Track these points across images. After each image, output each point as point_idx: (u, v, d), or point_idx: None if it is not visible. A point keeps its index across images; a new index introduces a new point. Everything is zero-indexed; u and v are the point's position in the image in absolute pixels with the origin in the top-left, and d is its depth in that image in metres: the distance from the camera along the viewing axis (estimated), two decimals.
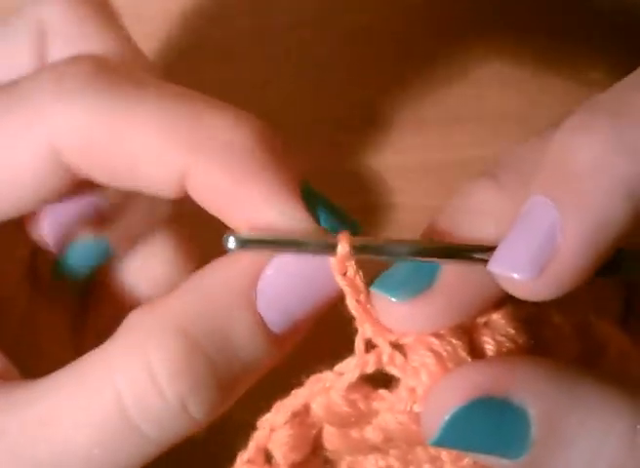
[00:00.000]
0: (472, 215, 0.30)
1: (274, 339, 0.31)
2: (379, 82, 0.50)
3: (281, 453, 0.33)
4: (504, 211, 0.30)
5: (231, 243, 0.29)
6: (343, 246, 0.30)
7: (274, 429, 0.33)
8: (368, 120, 0.50)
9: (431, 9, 0.50)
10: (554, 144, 0.29)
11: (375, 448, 0.34)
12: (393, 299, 0.30)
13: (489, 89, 0.49)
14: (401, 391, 0.32)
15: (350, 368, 0.32)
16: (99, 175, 0.32)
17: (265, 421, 0.33)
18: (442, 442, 0.28)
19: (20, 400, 0.31)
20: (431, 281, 0.30)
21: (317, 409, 0.32)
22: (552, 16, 0.51)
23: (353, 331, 0.31)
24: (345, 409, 0.32)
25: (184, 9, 0.49)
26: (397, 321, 0.30)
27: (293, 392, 0.32)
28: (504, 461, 0.28)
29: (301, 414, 0.33)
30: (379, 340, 0.31)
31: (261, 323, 0.31)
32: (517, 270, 0.28)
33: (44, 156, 0.31)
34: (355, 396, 0.32)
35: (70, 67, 0.32)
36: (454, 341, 0.31)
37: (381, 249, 0.30)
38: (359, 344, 0.32)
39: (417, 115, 0.47)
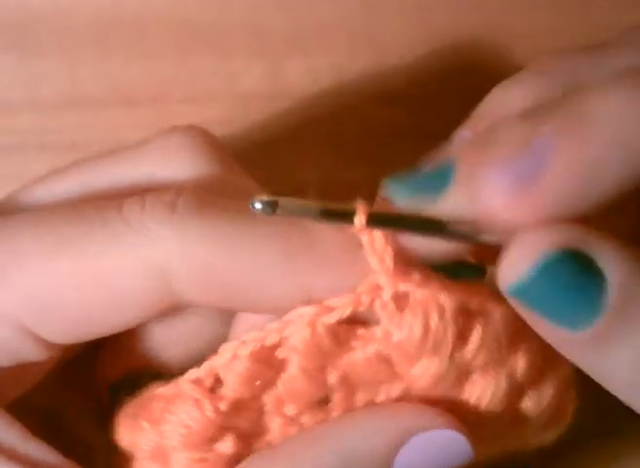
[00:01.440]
0: (508, 86, 0.31)
1: None
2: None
3: (231, 385, 0.32)
4: (541, 88, 0.30)
5: (258, 205, 0.29)
6: (360, 218, 0.30)
7: (235, 358, 0.32)
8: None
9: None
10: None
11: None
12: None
13: None
14: (376, 331, 0.32)
15: (343, 303, 0.32)
16: (208, 301, 0.32)
17: (228, 348, 0.32)
18: (521, 291, 0.28)
19: None
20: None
21: (294, 341, 0.32)
22: None
23: None
24: (327, 342, 0.32)
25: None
26: None
27: (267, 327, 0.32)
28: (567, 332, 0.28)
29: (267, 352, 0.32)
30: (386, 283, 0.31)
31: None
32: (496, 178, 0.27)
33: (154, 286, 0.31)
34: (338, 330, 0.32)
35: (178, 197, 0.32)
36: (450, 327, 0.32)
37: (400, 221, 0.31)
38: (364, 283, 0.32)
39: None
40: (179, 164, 0.35)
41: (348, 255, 0.31)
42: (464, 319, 0.32)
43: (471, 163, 0.29)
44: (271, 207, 0.30)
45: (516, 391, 0.35)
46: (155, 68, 0.47)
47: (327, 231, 0.32)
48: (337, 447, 0.31)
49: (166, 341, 0.36)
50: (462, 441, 0.32)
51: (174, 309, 0.33)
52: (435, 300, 0.32)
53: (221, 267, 0.31)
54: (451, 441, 0.32)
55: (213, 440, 0.33)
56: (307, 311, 0.32)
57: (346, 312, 0.32)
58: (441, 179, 0.29)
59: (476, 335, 0.32)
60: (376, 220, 0.31)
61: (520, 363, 0.34)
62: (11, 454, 0.32)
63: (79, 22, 0.46)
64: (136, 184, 0.35)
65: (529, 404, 0.35)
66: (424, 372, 0.33)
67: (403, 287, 0.32)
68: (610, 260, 0.27)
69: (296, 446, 0.32)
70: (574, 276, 0.27)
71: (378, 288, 0.32)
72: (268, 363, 0.33)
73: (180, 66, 0.47)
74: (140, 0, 0.46)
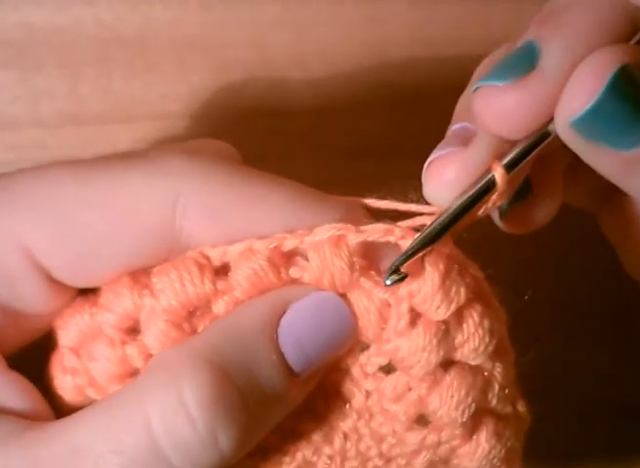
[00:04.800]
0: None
1: (294, 379, 0.32)
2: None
3: (239, 277, 0.32)
4: None
5: (389, 282, 0.32)
6: (499, 172, 0.31)
7: (251, 251, 0.32)
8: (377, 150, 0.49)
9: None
10: None
11: None
12: (499, 83, 0.30)
13: None
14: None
15: (375, 228, 0.32)
16: (202, 237, 0.32)
17: (246, 242, 0.32)
18: (587, 119, 0.29)
19: (51, 432, 0.31)
20: (534, 63, 0.30)
21: (312, 258, 0.32)
22: None
23: None
24: (342, 267, 0.32)
25: None
26: (505, 107, 0.30)
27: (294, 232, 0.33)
28: (621, 153, 0.30)
29: (282, 258, 0.32)
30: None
31: (282, 358, 0.32)
32: None
33: (162, 217, 0.32)
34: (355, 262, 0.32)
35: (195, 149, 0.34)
36: (463, 293, 0.32)
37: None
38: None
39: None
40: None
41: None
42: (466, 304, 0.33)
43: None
44: (398, 273, 0.32)
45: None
46: (156, 84, 0.47)
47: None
48: (222, 326, 0.32)
49: None
50: (338, 302, 0.33)
51: (168, 250, 0.33)
52: (455, 261, 0.32)
53: (229, 207, 0.32)
54: (327, 302, 0.33)
55: (192, 314, 0.33)
56: (335, 227, 0.32)
57: (375, 235, 0.32)
58: (528, 53, 0.30)
59: (473, 319, 0.33)
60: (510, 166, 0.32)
61: (497, 377, 0.34)
62: None
63: (80, 39, 0.46)
64: None
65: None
66: (412, 343, 0.32)
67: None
68: None
69: (201, 333, 0.33)
70: (634, 94, 0.29)
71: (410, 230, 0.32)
72: (278, 274, 0.33)
73: (180, 82, 0.47)
74: (140, 17, 0.46)
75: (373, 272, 0.33)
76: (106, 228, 0.31)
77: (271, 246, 0.32)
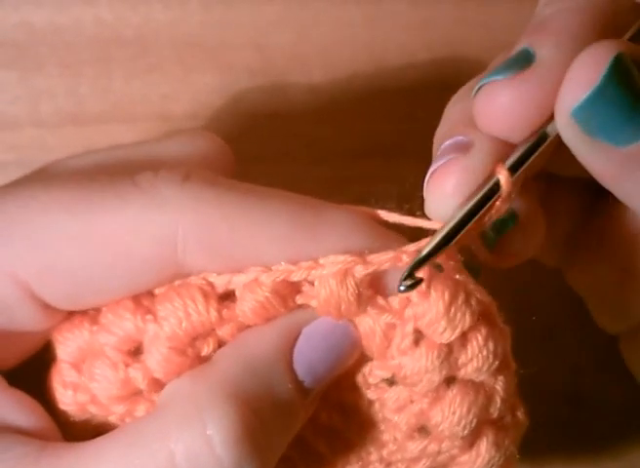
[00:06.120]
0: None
1: (305, 400, 0.33)
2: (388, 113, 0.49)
3: (245, 307, 0.32)
4: None
5: (402, 288, 0.31)
6: (504, 174, 0.31)
7: (257, 282, 0.32)
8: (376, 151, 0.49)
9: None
10: None
11: None
12: (499, 77, 0.31)
13: None
14: (394, 300, 0.33)
15: (383, 258, 0.32)
16: (205, 266, 0.32)
17: (253, 270, 0.32)
18: (586, 107, 0.29)
19: (70, 461, 0.30)
20: (530, 63, 0.30)
21: (318, 289, 0.32)
22: None
23: None
24: (349, 299, 0.32)
25: None
26: (505, 103, 0.30)
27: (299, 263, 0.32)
28: (618, 148, 0.29)
29: (287, 289, 0.32)
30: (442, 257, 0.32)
31: (298, 384, 0.32)
32: None
33: (161, 251, 0.31)
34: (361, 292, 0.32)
35: (191, 171, 0.32)
36: (469, 317, 0.32)
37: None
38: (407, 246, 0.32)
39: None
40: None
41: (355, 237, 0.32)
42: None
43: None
44: (412, 280, 0.31)
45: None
46: (156, 85, 0.47)
47: (335, 210, 0.33)
48: (238, 356, 0.32)
49: None
50: (343, 325, 0.33)
51: (170, 280, 0.32)
52: (462, 287, 0.32)
53: (229, 237, 0.31)
54: (335, 325, 0.33)
55: (196, 340, 0.33)
56: (342, 259, 0.32)
57: (385, 265, 0.32)
58: (524, 55, 0.31)
59: (477, 341, 0.32)
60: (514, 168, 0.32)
61: (499, 391, 0.34)
62: None
63: (80, 39, 0.46)
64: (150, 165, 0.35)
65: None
66: (415, 363, 0.32)
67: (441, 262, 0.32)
68: None
69: (214, 361, 0.32)
70: (631, 83, 0.29)
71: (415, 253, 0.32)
72: (285, 302, 0.33)
73: (181, 83, 0.47)
74: (140, 17, 0.46)
75: (379, 297, 0.33)
76: (103, 263, 0.31)
77: (278, 279, 0.32)
